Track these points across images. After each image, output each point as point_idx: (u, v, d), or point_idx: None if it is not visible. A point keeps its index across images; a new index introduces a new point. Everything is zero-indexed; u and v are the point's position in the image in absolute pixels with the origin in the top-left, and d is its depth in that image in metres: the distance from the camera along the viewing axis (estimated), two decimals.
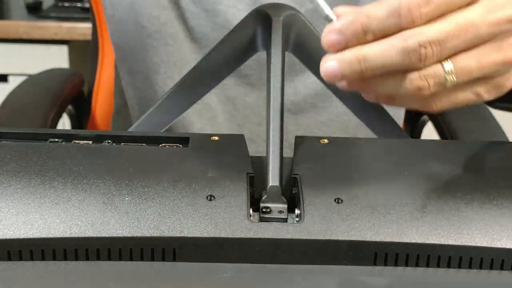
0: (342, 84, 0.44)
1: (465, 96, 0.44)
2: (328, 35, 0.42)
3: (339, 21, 0.41)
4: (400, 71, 0.41)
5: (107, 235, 0.42)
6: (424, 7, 0.39)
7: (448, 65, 0.41)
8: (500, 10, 0.40)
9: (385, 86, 0.42)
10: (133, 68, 0.82)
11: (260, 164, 0.50)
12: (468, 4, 0.40)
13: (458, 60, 0.41)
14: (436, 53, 0.39)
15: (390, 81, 0.41)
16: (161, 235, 0.42)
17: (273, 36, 0.56)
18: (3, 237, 0.41)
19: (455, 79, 0.41)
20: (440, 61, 0.40)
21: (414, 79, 0.40)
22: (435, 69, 0.40)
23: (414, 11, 0.39)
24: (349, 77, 0.42)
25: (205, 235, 0.42)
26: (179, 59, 0.79)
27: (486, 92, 0.44)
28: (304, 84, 0.82)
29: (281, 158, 0.48)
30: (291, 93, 0.81)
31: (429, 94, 0.41)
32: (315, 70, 0.63)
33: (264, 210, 0.45)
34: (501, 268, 0.44)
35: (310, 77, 0.80)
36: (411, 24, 0.39)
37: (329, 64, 0.42)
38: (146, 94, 0.83)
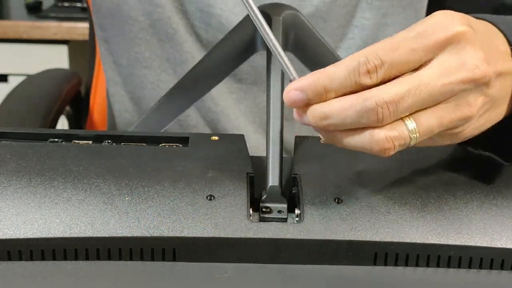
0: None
1: (425, 144, 0.45)
2: (290, 93, 0.43)
3: (302, 80, 0.43)
4: (362, 127, 0.42)
5: (107, 235, 0.42)
6: (379, 69, 0.41)
7: (411, 123, 0.42)
8: (452, 74, 0.42)
9: (351, 140, 0.43)
10: (118, 62, 0.82)
11: (260, 164, 0.50)
12: (421, 66, 0.42)
13: (419, 119, 0.42)
14: (393, 112, 0.41)
15: (356, 136, 0.43)
16: (161, 235, 0.42)
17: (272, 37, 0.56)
18: (3, 237, 0.42)
19: (418, 136, 0.42)
20: (402, 119, 0.42)
21: (380, 141, 0.42)
22: (399, 130, 0.42)
23: (371, 73, 0.41)
24: (316, 129, 0.44)
25: (205, 235, 0.42)
26: (173, 55, 0.79)
27: (443, 141, 0.46)
28: None
29: (281, 158, 0.48)
30: None
31: (393, 153, 0.43)
32: (312, 68, 0.63)
33: (264, 210, 0.45)
34: (501, 268, 0.44)
35: None
36: (369, 83, 0.42)
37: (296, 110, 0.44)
38: (131, 89, 0.83)
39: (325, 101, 0.42)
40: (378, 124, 0.41)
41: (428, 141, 0.45)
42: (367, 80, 0.41)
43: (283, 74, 0.55)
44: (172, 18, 0.78)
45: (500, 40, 0.46)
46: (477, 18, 0.46)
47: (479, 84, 0.43)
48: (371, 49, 0.42)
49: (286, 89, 0.43)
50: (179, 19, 0.78)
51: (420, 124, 0.42)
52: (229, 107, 0.81)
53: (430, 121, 0.42)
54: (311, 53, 0.62)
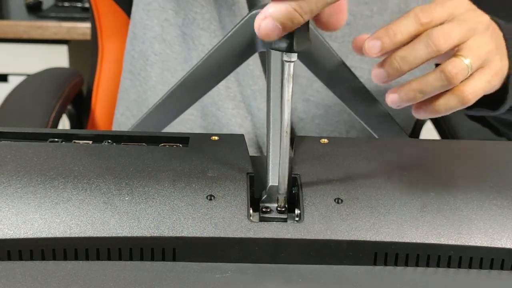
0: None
1: (483, 84, 0.59)
2: (371, 41, 0.56)
3: (375, 33, 0.57)
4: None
5: (107, 235, 0.42)
6: (428, 16, 0.57)
7: (465, 59, 0.57)
8: (474, 17, 0.59)
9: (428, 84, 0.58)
10: (171, 20, 0.83)
11: (260, 164, 0.50)
12: (451, 17, 0.59)
13: (467, 53, 0.58)
14: (448, 39, 0.56)
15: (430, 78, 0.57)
16: (161, 235, 0.42)
17: None
18: (3, 237, 0.42)
19: (471, 65, 0.57)
20: (457, 56, 0.57)
21: (448, 66, 0.56)
22: (457, 60, 0.57)
23: (422, 18, 0.57)
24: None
25: (205, 235, 0.42)
26: (230, 22, 0.79)
27: (493, 78, 0.60)
28: None
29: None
30: None
31: (460, 79, 0.57)
32: (315, 71, 0.63)
33: (264, 210, 0.45)
34: (501, 268, 0.44)
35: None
36: (426, 21, 0.57)
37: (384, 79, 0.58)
38: (184, 49, 0.84)
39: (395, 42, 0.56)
40: (442, 47, 0.56)
41: (485, 83, 0.59)
42: (424, 19, 0.57)
43: (283, 74, 0.55)
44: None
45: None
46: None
47: (488, 27, 0.61)
48: (418, 8, 0.58)
49: (373, 36, 0.57)
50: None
51: (468, 54, 0.57)
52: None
53: (473, 51, 0.58)
54: (312, 53, 0.62)
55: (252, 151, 0.80)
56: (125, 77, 0.89)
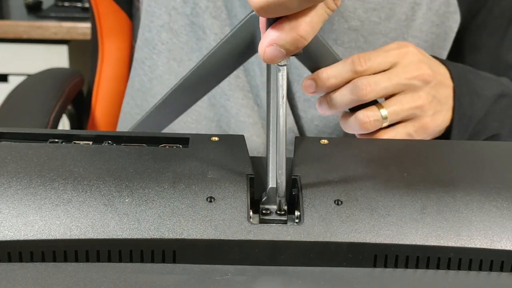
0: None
1: (400, 136, 0.63)
2: (308, 81, 0.63)
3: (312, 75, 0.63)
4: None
5: (107, 237, 0.42)
6: (363, 65, 0.61)
7: (383, 110, 0.62)
8: (413, 71, 0.63)
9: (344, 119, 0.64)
10: (179, 9, 0.83)
11: (260, 165, 0.50)
12: (391, 67, 0.63)
13: (388, 104, 0.62)
14: (374, 89, 0.61)
15: (348, 117, 0.64)
16: (161, 237, 0.42)
17: None
18: (3, 239, 0.42)
19: (388, 115, 0.62)
20: (376, 106, 0.62)
21: (360, 114, 0.62)
22: (374, 110, 0.62)
23: (357, 66, 0.61)
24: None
25: (205, 237, 0.42)
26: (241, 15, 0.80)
27: (415, 132, 0.64)
28: None
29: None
30: None
31: (370, 128, 0.62)
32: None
33: (264, 211, 0.45)
34: (501, 270, 0.44)
35: None
36: (361, 70, 0.61)
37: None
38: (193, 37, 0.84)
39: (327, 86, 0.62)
40: (364, 97, 0.61)
41: (405, 135, 0.63)
42: (359, 67, 0.61)
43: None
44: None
45: (441, 67, 0.68)
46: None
47: (427, 82, 0.64)
48: (360, 54, 0.62)
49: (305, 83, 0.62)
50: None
51: (388, 108, 0.62)
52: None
53: (396, 105, 0.62)
54: (312, 53, 0.62)
55: (259, 142, 0.80)
56: (133, 66, 0.89)
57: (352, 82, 0.61)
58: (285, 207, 0.45)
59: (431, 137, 0.66)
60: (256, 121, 0.82)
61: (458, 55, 0.83)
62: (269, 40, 0.42)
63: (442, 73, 0.67)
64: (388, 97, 0.63)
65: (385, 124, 0.62)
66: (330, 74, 0.61)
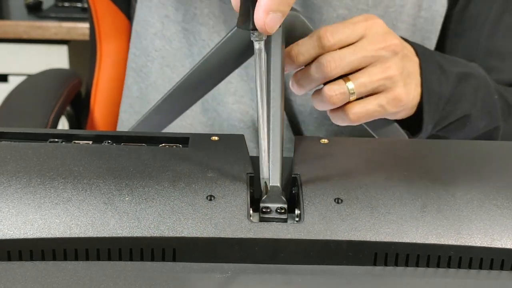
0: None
1: (372, 107, 0.61)
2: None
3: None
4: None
5: (107, 235, 0.42)
6: (330, 39, 0.59)
7: (350, 83, 0.60)
8: (380, 42, 0.61)
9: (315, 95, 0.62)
10: (171, 16, 0.83)
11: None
12: (359, 39, 0.60)
13: (355, 77, 0.60)
14: (339, 65, 0.59)
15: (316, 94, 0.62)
16: (161, 235, 0.42)
17: (273, 36, 0.56)
18: (3, 237, 0.42)
19: (354, 90, 0.60)
20: (343, 79, 0.60)
21: (325, 88, 0.60)
22: (340, 83, 0.60)
23: (324, 41, 0.59)
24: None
25: (205, 235, 0.42)
26: (230, 19, 0.80)
27: (388, 104, 0.61)
28: None
29: (281, 158, 0.48)
30: None
31: (338, 102, 0.60)
32: None
33: (264, 210, 0.45)
34: (501, 268, 0.44)
35: None
36: (328, 44, 0.59)
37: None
38: (185, 44, 0.84)
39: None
40: (329, 74, 0.59)
41: (377, 107, 0.61)
42: (327, 42, 0.59)
43: (283, 73, 0.55)
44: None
45: (406, 43, 0.65)
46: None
47: (396, 52, 0.61)
48: (328, 27, 0.60)
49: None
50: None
51: (355, 81, 0.60)
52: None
53: (363, 77, 0.60)
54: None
55: (252, 146, 0.80)
56: (128, 74, 0.90)
57: (317, 59, 0.59)
58: (285, 206, 0.45)
59: (404, 112, 0.64)
60: (249, 126, 0.82)
61: (439, 41, 0.82)
62: (264, 9, 0.43)
63: (408, 48, 0.65)
64: (357, 70, 0.61)
65: (353, 98, 0.60)
66: (299, 51, 0.59)
